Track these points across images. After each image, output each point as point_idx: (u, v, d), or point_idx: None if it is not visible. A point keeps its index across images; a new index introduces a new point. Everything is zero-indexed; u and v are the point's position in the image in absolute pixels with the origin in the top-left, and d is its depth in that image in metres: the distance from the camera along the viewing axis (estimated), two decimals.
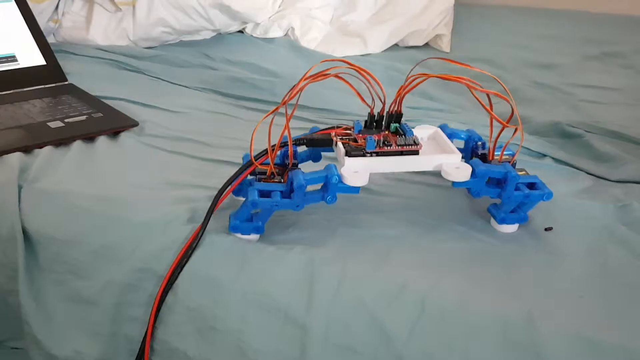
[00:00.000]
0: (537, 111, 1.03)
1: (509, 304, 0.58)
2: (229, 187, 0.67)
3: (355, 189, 0.63)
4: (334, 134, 0.67)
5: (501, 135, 0.68)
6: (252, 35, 1.34)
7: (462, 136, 0.71)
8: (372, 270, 0.61)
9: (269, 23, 1.34)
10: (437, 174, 0.78)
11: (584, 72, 1.24)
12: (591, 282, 0.62)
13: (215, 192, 0.67)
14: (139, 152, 0.83)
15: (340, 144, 0.65)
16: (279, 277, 0.62)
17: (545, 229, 0.69)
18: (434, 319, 0.57)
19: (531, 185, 0.68)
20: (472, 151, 0.71)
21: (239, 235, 0.65)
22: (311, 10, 1.37)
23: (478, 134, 0.71)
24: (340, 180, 0.62)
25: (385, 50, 1.33)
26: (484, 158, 0.69)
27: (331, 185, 0.62)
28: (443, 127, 0.72)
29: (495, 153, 0.69)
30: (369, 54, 1.31)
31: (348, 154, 0.64)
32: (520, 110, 1.03)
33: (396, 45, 1.36)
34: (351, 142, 0.65)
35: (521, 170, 0.69)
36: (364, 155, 0.64)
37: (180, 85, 1.07)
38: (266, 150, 0.65)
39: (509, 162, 0.68)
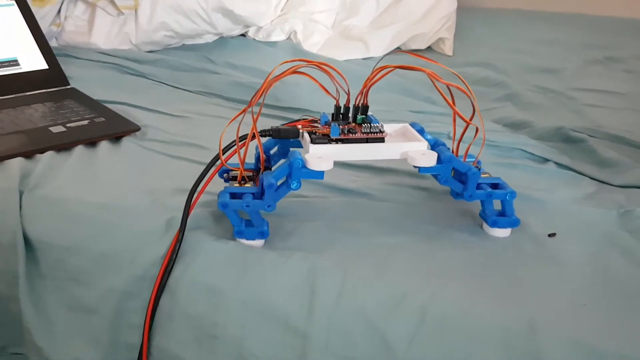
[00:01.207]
0: (539, 116, 1.03)
1: (510, 313, 0.57)
2: (199, 188, 0.67)
3: (319, 174, 0.63)
4: (300, 125, 0.67)
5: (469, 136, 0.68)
6: (254, 39, 1.34)
7: (429, 138, 0.71)
8: (372, 278, 0.61)
9: (272, 27, 1.34)
10: (435, 181, 0.78)
11: (586, 76, 1.24)
12: (593, 290, 0.61)
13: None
14: (141, 157, 0.83)
15: (306, 134, 0.65)
16: (280, 284, 0.61)
17: (549, 235, 0.69)
18: (434, 328, 0.57)
19: (495, 186, 0.68)
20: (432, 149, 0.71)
21: (243, 240, 0.65)
22: (313, 14, 1.37)
23: (442, 141, 0.71)
24: (303, 165, 0.62)
25: (387, 54, 1.33)
26: None
27: (295, 170, 0.62)
28: (413, 124, 0.72)
29: (459, 156, 0.69)
30: (371, 57, 1.31)
31: (313, 141, 0.64)
32: (523, 114, 1.04)
33: (398, 49, 1.36)
34: (317, 131, 0.66)
35: (485, 172, 0.70)
36: (328, 142, 0.64)
37: (182, 89, 1.07)
38: (233, 144, 0.66)
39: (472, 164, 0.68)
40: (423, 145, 0.66)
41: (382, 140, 0.65)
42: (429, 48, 1.39)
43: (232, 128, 0.65)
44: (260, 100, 0.64)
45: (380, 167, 0.81)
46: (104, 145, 0.84)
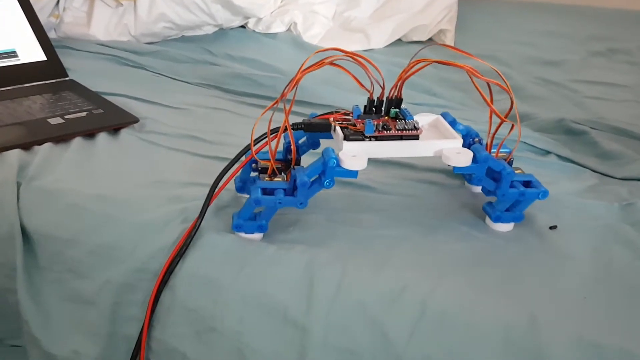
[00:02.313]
0: (541, 108, 1.02)
1: (510, 307, 0.57)
2: (228, 174, 0.66)
3: (354, 173, 0.62)
4: (332, 119, 0.66)
5: (500, 132, 0.67)
6: (254, 31, 1.33)
7: (461, 128, 0.70)
8: (372, 271, 0.61)
9: (271, 18, 1.33)
10: (438, 171, 0.78)
11: (589, 68, 1.23)
12: (595, 284, 0.61)
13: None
14: (139, 149, 0.82)
15: (338, 129, 0.64)
16: (279, 278, 0.61)
17: (550, 228, 0.68)
18: (434, 321, 0.57)
19: (527, 184, 0.67)
20: (468, 146, 0.70)
21: (242, 234, 0.64)
22: (314, 5, 1.37)
23: (476, 131, 0.70)
24: (338, 164, 0.61)
25: (388, 46, 1.32)
26: None
27: (329, 169, 0.62)
28: (445, 115, 0.70)
29: (492, 150, 0.68)
30: (372, 49, 1.30)
31: (346, 137, 0.63)
32: (525, 107, 1.03)
33: (399, 40, 1.36)
34: (350, 127, 0.64)
35: (517, 168, 0.69)
36: (362, 139, 0.63)
37: (181, 81, 1.06)
38: (263, 136, 0.64)
39: (506, 159, 0.67)
40: (457, 143, 0.65)
41: (416, 137, 0.64)
42: (430, 40, 1.38)
43: (249, 120, 0.62)
44: (291, 96, 0.62)
45: (383, 159, 0.80)
46: (102, 137, 0.84)
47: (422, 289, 0.58)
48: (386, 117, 0.66)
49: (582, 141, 0.90)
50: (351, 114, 0.66)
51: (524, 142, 0.88)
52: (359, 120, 0.65)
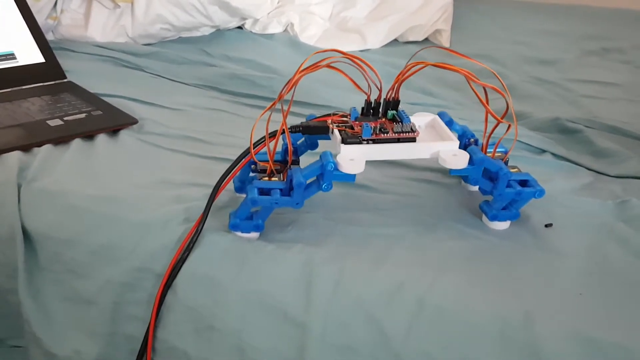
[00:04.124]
0: (536, 107, 1.03)
1: (507, 303, 0.58)
2: (228, 176, 0.67)
3: (351, 177, 0.63)
4: (330, 121, 0.67)
5: (496, 131, 0.68)
6: (251, 31, 1.33)
7: (457, 128, 0.71)
8: (370, 269, 0.61)
9: (268, 19, 1.33)
10: (435, 170, 0.79)
11: (583, 67, 1.24)
12: (590, 280, 0.62)
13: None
14: (138, 150, 0.83)
15: (336, 131, 0.65)
16: (278, 276, 0.62)
17: (546, 226, 0.69)
18: (432, 318, 0.57)
19: (523, 183, 0.68)
20: (464, 147, 0.71)
21: (239, 233, 0.65)
22: (310, 6, 1.37)
23: (472, 131, 0.71)
24: (336, 168, 0.62)
25: (384, 46, 1.33)
26: None
27: (327, 173, 0.62)
28: (442, 115, 0.71)
29: (488, 150, 0.69)
30: (368, 49, 1.31)
31: (344, 141, 0.63)
32: (520, 106, 1.04)
33: (395, 40, 1.36)
34: (347, 129, 0.65)
35: (514, 167, 0.70)
36: (360, 143, 0.63)
37: (179, 82, 1.07)
38: (263, 139, 0.65)
39: (502, 159, 0.68)
40: (454, 144, 0.65)
41: (413, 140, 0.65)
42: (426, 40, 1.39)
43: (249, 121, 0.63)
44: (289, 97, 0.63)
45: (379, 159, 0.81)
46: (101, 138, 0.84)
47: (420, 286, 0.59)
48: (383, 119, 0.67)
49: (577, 139, 0.91)
50: (349, 116, 0.67)
51: (520, 141, 0.89)
52: (357, 122, 0.65)
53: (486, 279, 0.61)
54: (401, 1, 1.41)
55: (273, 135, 0.65)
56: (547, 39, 1.40)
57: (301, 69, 0.62)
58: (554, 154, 0.87)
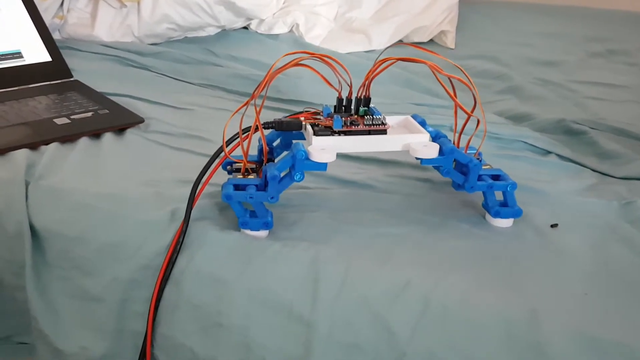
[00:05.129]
0: (541, 108, 1.03)
1: (512, 302, 0.58)
2: (203, 180, 0.68)
3: (323, 166, 0.63)
4: (303, 117, 0.68)
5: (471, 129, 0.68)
6: (256, 32, 1.34)
7: (430, 130, 0.71)
8: (375, 268, 0.61)
9: (274, 19, 1.34)
10: (437, 173, 0.79)
11: (588, 69, 1.24)
12: (595, 280, 0.62)
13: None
14: (144, 149, 0.83)
15: (308, 126, 0.66)
16: (284, 274, 0.62)
17: (551, 226, 0.69)
18: (437, 316, 0.57)
19: (496, 178, 0.69)
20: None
21: (248, 231, 0.65)
22: (315, 7, 1.38)
23: (443, 133, 0.71)
24: (307, 157, 0.63)
25: (389, 47, 1.33)
26: None
27: (298, 162, 0.63)
28: (414, 117, 0.72)
29: (460, 147, 0.69)
30: (373, 50, 1.31)
31: (315, 133, 0.64)
32: (525, 107, 1.04)
33: (400, 41, 1.36)
34: (320, 124, 0.66)
35: (486, 165, 0.71)
36: (331, 135, 0.64)
37: (185, 81, 1.07)
38: (236, 136, 0.66)
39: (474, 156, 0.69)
40: (425, 137, 0.66)
41: (384, 132, 0.66)
42: (431, 41, 1.39)
43: (236, 120, 0.66)
44: (263, 93, 0.64)
45: (384, 159, 0.82)
46: (108, 137, 0.85)
47: (425, 285, 0.59)
48: (355, 116, 0.68)
49: (582, 141, 0.91)
50: (321, 113, 0.68)
51: (525, 142, 0.90)
52: (329, 118, 0.66)
53: (491, 279, 0.61)
54: (406, 2, 1.41)
55: (246, 131, 0.65)
56: (552, 41, 1.40)
57: (273, 69, 0.63)
58: (559, 156, 0.87)
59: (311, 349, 0.59)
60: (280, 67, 0.63)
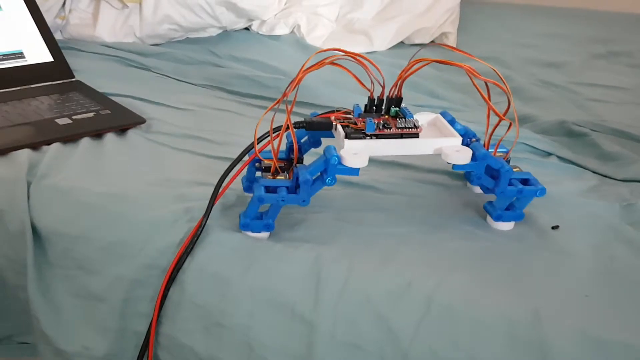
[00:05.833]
0: (543, 110, 1.03)
1: (515, 303, 0.58)
2: (233, 172, 0.67)
3: (355, 171, 0.63)
4: (333, 117, 0.67)
5: (497, 132, 0.68)
6: (258, 33, 1.34)
7: (459, 128, 0.71)
8: (378, 268, 0.62)
9: (275, 20, 1.34)
10: (441, 172, 0.79)
11: (590, 71, 1.24)
12: (597, 281, 0.62)
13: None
14: (146, 149, 0.83)
15: (339, 127, 0.65)
16: (287, 274, 0.62)
17: (553, 228, 0.69)
18: (439, 317, 0.58)
19: (525, 182, 0.68)
20: (467, 145, 0.71)
21: (249, 233, 0.65)
22: (317, 7, 1.37)
23: (473, 131, 0.71)
24: (339, 162, 0.62)
25: (391, 48, 1.33)
26: None
27: (330, 167, 0.62)
28: (444, 114, 0.72)
29: (490, 150, 0.69)
30: (375, 51, 1.31)
31: (347, 136, 0.64)
32: (526, 108, 1.04)
33: (402, 43, 1.37)
34: (351, 125, 0.65)
35: (515, 167, 0.70)
36: (363, 138, 0.64)
37: (186, 82, 1.07)
38: (266, 135, 0.65)
39: (503, 159, 0.68)
40: (457, 141, 0.66)
41: (416, 135, 0.65)
42: (432, 42, 1.39)
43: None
44: (292, 97, 0.63)
45: (387, 160, 0.81)
46: (109, 137, 0.85)
47: (427, 285, 0.59)
48: (386, 116, 0.67)
49: (583, 143, 0.91)
50: (352, 113, 0.67)
51: (525, 144, 0.90)
52: (360, 119, 0.66)
53: (494, 279, 0.61)
54: (408, 3, 1.41)
55: (277, 131, 0.65)
56: (553, 42, 1.40)
57: (305, 67, 0.62)
58: (560, 157, 0.87)
59: (313, 349, 0.59)
60: (312, 65, 0.62)
